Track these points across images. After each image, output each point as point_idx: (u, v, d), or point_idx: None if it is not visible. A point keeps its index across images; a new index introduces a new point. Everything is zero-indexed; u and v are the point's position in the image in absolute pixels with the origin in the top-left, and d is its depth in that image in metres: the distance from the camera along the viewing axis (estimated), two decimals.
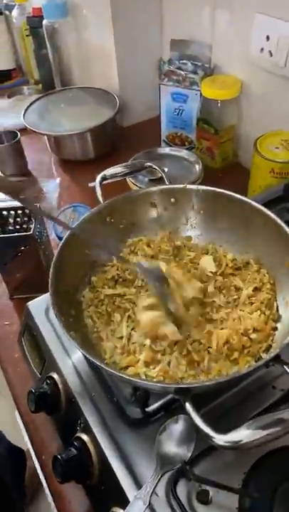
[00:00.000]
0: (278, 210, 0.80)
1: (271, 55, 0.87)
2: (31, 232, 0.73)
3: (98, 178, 0.63)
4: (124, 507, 0.46)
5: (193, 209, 0.66)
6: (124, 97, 1.20)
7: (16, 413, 0.72)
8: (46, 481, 0.62)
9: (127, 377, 0.46)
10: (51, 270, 0.53)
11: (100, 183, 0.63)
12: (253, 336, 0.51)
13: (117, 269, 0.62)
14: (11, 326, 0.79)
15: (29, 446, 0.68)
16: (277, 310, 0.56)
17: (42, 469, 0.63)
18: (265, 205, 0.80)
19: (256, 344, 0.51)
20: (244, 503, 0.46)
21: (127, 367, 0.52)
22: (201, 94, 1.00)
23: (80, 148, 1.13)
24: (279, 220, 0.57)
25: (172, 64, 1.07)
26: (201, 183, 0.97)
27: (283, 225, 0.56)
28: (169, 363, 0.50)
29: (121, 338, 0.55)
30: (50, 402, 0.57)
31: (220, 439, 0.39)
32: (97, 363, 0.45)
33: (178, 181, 0.92)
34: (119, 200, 0.63)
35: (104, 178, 0.63)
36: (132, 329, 0.55)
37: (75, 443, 0.52)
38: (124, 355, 0.52)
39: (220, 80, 0.99)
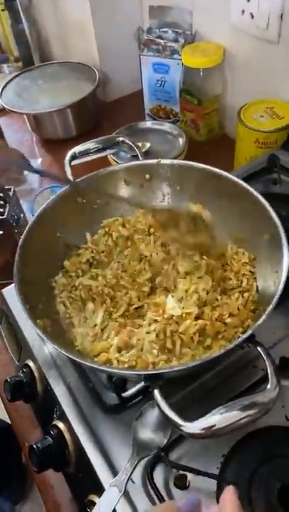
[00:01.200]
0: (263, 182, 0.78)
1: (253, 17, 0.82)
2: (5, 216, 0.71)
3: (67, 156, 0.60)
4: (100, 494, 0.45)
5: (169, 185, 0.63)
6: (105, 71, 1.15)
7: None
8: (30, 468, 0.62)
9: (96, 366, 0.44)
10: (17, 255, 0.50)
11: (70, 161, 0.60)
12: (229, 320, 0.49)
13: (92, 252, 0.60)
14: None
15: None
16: (257, 291, 0.54)
17: (26, 456, 0.63)
18: (249, 177, 0.77)
19: (231, 328, 0.49)
20: (222, 487, 0.44)
21: (99, 353, 0.50)
22: (182, 63, 0.95)
23: (61, 126, 1.09)
24: (256, 193, 0.54)
25: (152, 33, 1.01)
26: (185, 157, 0.94)
27: (260, 197, 0.53)
28: (142, 348, 0.48)
29: (94, 326, 0.53)
30: (26, 391, 0.55)
31: (190, 426, 0.37)
32: (63, 352, 0.43)
33: (161, 156, 0.88)
34: (88, 179, 0.59)
35: (73, 157, 0.60)
36: (110, 315, 0.53)
37: (51, 431, 0.50)
38: (96, 342, 0.50)
39: (201, 47, 0.94)
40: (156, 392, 0.39)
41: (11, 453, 1.17)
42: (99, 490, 0.46)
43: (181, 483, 0.45)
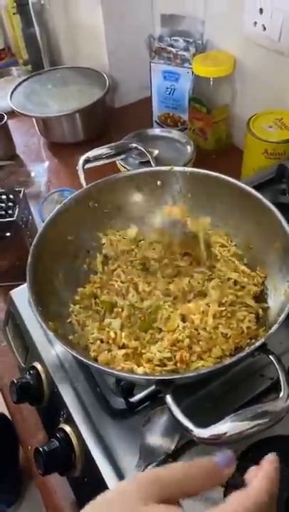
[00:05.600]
0: (271, 192, 0.78)
1: (265, 29, 0.83)
2: (15, 218, 0.71)
3: (81, 160, 0.60)
4: None
5: (180, 192, 0.63)
6: (115, 77, 1.16)
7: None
8: (33, 472, 0.61)
9: (109, 370, 0.44)
10: (29, 258, 0.51)
11: (83, 165, 0.60)
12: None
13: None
14: None
15: None
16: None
17: (29, 459, 0.62)
18: (258, 187, 0.78)
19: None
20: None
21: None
22: (192, 72, 0.96)
23: (69, 131, 1.09)
24: (267, 202, 0.54)
25: (163, 41, 1.02)
26: (193, 165, 0.94)
27: (272, 206, 0.54)
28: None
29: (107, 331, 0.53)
30: (32, 393, 0.55)
31: (202, 432, 0.38)
32: (77, 356, 0.43)
33: (169, 163, 0.89)
34: (101, 183, 0.60)
35: (87, 161, 0.61)
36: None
37: (58, 434, 0.50)
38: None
39: (212, 56, 0.95)
40: (169, 398, 0.39)
41: (6, 453, 1.15)
42: None
43: None
